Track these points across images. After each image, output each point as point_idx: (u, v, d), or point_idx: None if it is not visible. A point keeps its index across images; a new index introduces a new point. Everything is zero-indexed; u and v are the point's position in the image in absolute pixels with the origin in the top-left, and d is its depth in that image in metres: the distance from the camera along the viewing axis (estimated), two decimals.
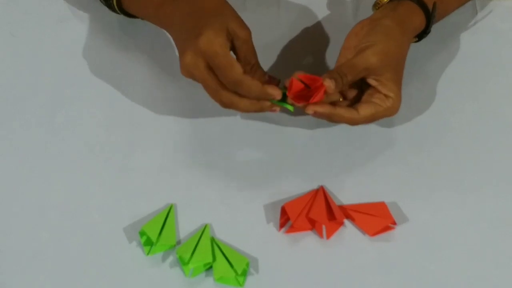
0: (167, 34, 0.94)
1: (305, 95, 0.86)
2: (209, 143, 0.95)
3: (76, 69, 1.00)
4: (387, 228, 0.89)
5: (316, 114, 0.86)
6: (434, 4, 0.91)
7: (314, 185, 0.92)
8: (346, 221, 0.90)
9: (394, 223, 0.89)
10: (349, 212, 0.90)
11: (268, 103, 0.85)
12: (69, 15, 1.03)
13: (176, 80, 0.98)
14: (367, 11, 0.95)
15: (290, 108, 0.86)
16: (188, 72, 0.85)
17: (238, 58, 0.86)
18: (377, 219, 0.89)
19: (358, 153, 0.95)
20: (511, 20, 1.03)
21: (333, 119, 0.87)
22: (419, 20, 0.91)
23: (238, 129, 0.96)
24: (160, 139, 0.95)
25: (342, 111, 0.87)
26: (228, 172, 0.93)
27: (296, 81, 0.85)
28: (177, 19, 0.87)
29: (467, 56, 1.00)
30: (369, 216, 0.89)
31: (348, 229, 0.89)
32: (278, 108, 0.86)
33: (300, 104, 0.86)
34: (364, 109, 0.87)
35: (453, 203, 0.92)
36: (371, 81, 0.88)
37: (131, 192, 0.92)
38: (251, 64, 0.87)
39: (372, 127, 0.95)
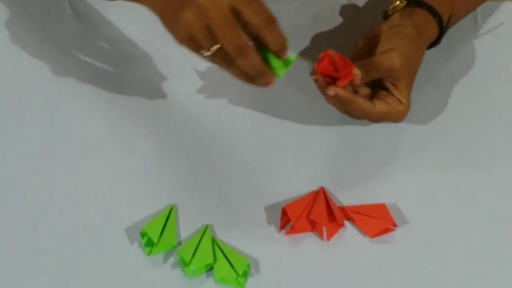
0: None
1: (330, 75, 0.86)
2: (210, 144, 0.95)
3: (75, 67, 1.00)
4: (387, 230, 0.89)
5: (335, 97, 0.86)
6: (450, 16, 0.92)
7: (314, 187, 0.92)
8: (346, 223, 0.90)
9: (395, 225, 0.89)
10: (349, 214, 0.90)
11: (266, 70, 0.81)
12: (68, 13, 1.03)
13: (176, 78, 0.98)
14: (367, 9, 0.96)
15: (280, 74, 0.83)
16: (201, 10, 0.77)
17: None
18: (377, 220, 0.89)
19: (359, 154, 0.95)
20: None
21: (349, 107, 0.87)
22: (433, 29, 0.92)
23: (239, 130, 0.96)
24: (161, 140, 0.95)
25: (361, 100, 0.87)
26: (229, 173, 0.93)
27: (330, 57, 0.84)
28: None
29: (469, 58, 1.01)
30: (369, 217, 0.89)
31: (349, 231, 0.89)
32: (273, 81, 0.83)
33: (323, 81, 0.85)
34: (380, 105, 0.88)
35: (453, 205, 0.92)
36: (388, 84, 0.89)
37: (132, 192, 0.91)
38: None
39: (373, 128, 0.95)
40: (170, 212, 0.89)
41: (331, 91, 0.85)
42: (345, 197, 0.91)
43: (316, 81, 0.86)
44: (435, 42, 0.95)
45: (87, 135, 0.95)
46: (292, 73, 0.88)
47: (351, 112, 0.89)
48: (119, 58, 1.01)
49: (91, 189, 0.92)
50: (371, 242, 0.89)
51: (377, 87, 0.90)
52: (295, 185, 0.91)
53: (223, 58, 0.80)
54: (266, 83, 0.82)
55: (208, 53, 0.78)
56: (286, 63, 0.83)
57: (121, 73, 1.00)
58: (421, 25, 0.91)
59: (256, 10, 0.78)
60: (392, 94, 0.89)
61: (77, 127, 0.96)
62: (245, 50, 0.79)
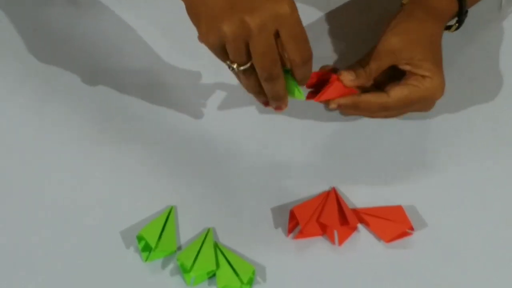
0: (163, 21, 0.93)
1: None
2: (213, 141, 0.94)
3: (67, 57, 0.98)
4: (404, 234, 0.88)
5: (341, 108, 0.86)
6: None
7: (325, 187, 0.91)
8: (360, 226, 0.89)
9: (412, 229, 0.88)
10: (363, 216, 0.89)
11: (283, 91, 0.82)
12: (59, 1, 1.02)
13: (177, 71, 0.97)
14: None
15: (297, 94, 0.84)
16: (236, 29, 0.75)
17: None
18: (393, 224, 0.88)
19: (373, 152, 0.93)
20: None
21: (361, 109, 0.86)
22: (447, 2, 0.90)
23: (244, 127, 0.95)
24: (159, 136, 0.94)
25: (369, 97, 0.86)
26: (233, 172, 0.92)
27: (337, 82, 0.86)
28: None
29: (493, 46, 1.00)
30: (384, 220, 0.88)
31: (362, 235, 0.88)
32: (285, 108, 0.84)
33: (321, 100, 0.86)
34: (396, 91, 0.85)
35: (476, 207, 0.90)
36: (403, 66, 0.86)
37: (128, 193, 0.90)
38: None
39: (388, 123, 0.94)
40: (169, 214, 0.88)
41: (332, 105, 0.86)
42: (359, 198, 0.90)
43: (339, 109, 0.86)
44: (458, 22, 0.93)
45: (80, 130, 0.94)
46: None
47: (369, 114, 0.88)
48: (114, 46, 1.00)
49: (83, 189, 0.90)
50: (386, 247, 0.88)
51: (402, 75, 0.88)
52: (304, 185, 0.91)
53: (247, 75, 0.80)
54: (277, 108, 0.83)
55: (234, 67, 0.79)
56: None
57: (115, 63, 0.98)
58: (430, 2, 0.89)
59: (299, 49, 0.78)
60: (413, 73, 0.86)
61: (69, 122, 0.94)
62: (276, 79, 0.79)
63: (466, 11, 0.92)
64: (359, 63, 0.87)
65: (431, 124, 0.95)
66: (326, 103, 0.86)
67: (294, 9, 0.76)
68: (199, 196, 0.90)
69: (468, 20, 0.94)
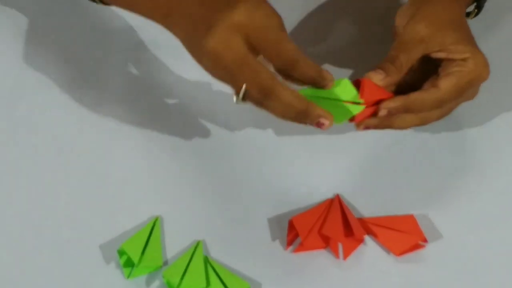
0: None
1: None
2: (203, 143, 0.92)
3: (42, 51, 0.97)
4: (416, 246, 0.86)
5: (390, 113, 0.81)
6: None
7: (328, 194, 0.88)
8: (367, 238, 0.87)
9: (425, 240, 0.86)
10: (370, 227, 0.86)
11: (316, 110, 0.78)
12: None
13: (166, 65, 0.95)
14: None
15: (339, 119, 0.80)
16: (216, 57, 0.77)
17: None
18: (404, 235, 0.85)
19: (381, 155, 0.91)
20: None
21: (413, 110, 0.81)
22: None
23: (236, 126, 0.92)
24: (143, 138, 0.92)
25: (420, 94, 0.81)
26: (225, 178, 0.90)
27: (369, 82, 0.80)
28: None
29: None
30: (394, 231, 0.86)
31: (370, 248, 0.86)
32: (328, 121, 0.79)
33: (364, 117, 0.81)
34: (445, 81, 0.81)
35: (495, 217, 0.88)
36: (436, 54, 0.83)
37: (108, 202, 0.88)
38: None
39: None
40: (153, 226, 0.86)
41: (382, 111, 0.80)
42: (365, 207, 0.88)
43: (387, 116, 0.81)
44: (477, 8, 0.90)
45: (55, 132, 0.92)
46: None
47: (419, 120, 0.83)
48: (96, 38, 0.98)
49: (59, 197, 0.88)
50: (396, 261, 0.85)
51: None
52: (305, 193, 0.88)
53: (255, 101, 0.79)
54: (318, 125, 0.79)
55: (236, 98, 0.78)
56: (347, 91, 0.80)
57: (98, 57, 0.96)
58: None
59: (274, 54, 0.77)
60: (451, 59, 0.83)
61: (43, 123, 0.93)
62: (271, 90, 0.77)
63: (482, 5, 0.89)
64: (385, 58, 0.83)
65: (446, 125, 0.91)
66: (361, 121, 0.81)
67: (251, 13, 0.76)
68: (187, 205, 0.88)
69: (489, 5, 0.91)
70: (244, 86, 0.77)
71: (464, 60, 0.81)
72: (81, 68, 0.96)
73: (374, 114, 0.80)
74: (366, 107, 0.79)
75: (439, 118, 0.83)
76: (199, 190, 0.89)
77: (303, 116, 0.78)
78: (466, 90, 0.82)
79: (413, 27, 0.82)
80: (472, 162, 0.91)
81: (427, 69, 0.83)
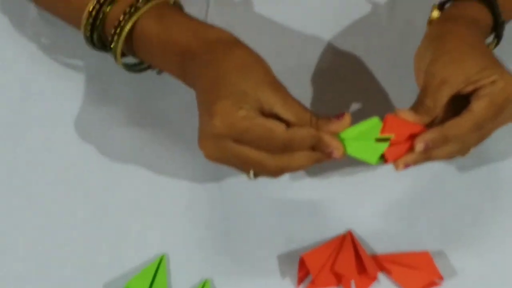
0: None
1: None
2: (210, 175, 0.90)
3: (38, 77, 0.95)
4: (431, 284, 0.85)
5: (428, 146, 0.78)
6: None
7: (340, 230, 0.87)
8: (380, 275, 0.86)
9: (441, 278, 0.85)
10: (384, 264, 0.85)
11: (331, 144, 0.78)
12: (33, 15, 0.98)
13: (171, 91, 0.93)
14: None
15: (373, 159, 0.78)
16: (212, 158, 0.78)
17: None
18: (419, 272, 0.85)
19: (395, 189, 0.90)
20: None
21: (451, 138, 0.79)
22: (475, 11, 0.85)
23: None
24: (148, 171, 0.90)
25: (455, 121, 0.79)
26: (233, 213, 0.88)
27: (392, 117, 0.78)
28: (198, 82, 0.80)
29: None
30: (409, 268, 0.85)
31: (383, 285, 0.85)
32: (340, 152, 0.77)
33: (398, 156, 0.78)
34: (478, 103, 0.79)
35: None
36: (465, 89, 0.80)
37: (113, 238, 0.87)
38: (305, 121, 0.79)
39: None
40: (159, 264, 0.85)
41: (419, 144, 0.77)
42: (379, 243, 0.87)
43: (425, 150, 0.78)
44: (497, 37, 0.88)
45: (58, 167, 0.90)
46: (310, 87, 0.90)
47: (459, 147, 0.80)
48: (91, 70, 0.95)
49: (61, 233, 0.87)
50: None
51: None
52: (316, 228, 0.87)
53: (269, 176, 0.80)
54: (330, 157, 0.79)
55: (248, 177, 0.79)
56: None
57: (105, 78, 0.94)
58: (455, 13, 0.85)
59: (264, 145, 0.76)
60: (481, 86, 0.80)
61: (45, 156, 0.91)
62: (281, 170, 0.77)
63: (503, 22, 0.87)
64: (415, 103, 0.80)
65: (461, 158, 0.87)
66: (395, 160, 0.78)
67: (229, 118, 0.75)
68: (194, 242, 0.87)
69: (508, 34, 0.89)
70: (251, 172, 0.78)
71: (493, 82, 0.79)
72: (88, 99, 0.95)
73: (411, 149, 0.77)
74: (399, 143, 0.77)
75: (477, 143, 0.81)
76: (206, 227, 0.88)
77: (314, 161, 0.78)
78: (502, 110, 0.80)
79: (434, 70, 0.80)
80: (490, 196, 0.90)
81: (461, 105, 0.81)
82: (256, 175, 0.79)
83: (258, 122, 0.76)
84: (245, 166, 0.78)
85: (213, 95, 0.77)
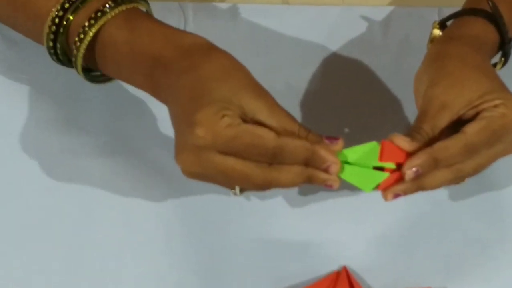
0: None
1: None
2: (189, 209, 0.87)
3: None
4: None
5: (418, 172, 0.75)
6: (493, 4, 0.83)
7: (334, 266, 0.85)
8: None
9: None
10: None
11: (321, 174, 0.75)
12: None
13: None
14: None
15: (368, 188, 0.75)
16: (192, 174, 0.76)
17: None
18: None
19: (392, 221, 0.87)
20: None
21: (441, 160, 0.76)
22: (479, 28, 0.83)
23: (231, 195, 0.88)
24: (122, 204, 0.87)
25: (443, 142, 0.76)
26: (218, 250, 0.86)
27: (389, 144, 0.75)
28: (173, 93, 0.78)
29: None
30: None
31: None
32: (336, 183, 0.75)
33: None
34: (472, 125, 0.76)
35: None
36: (466, 115, 0.78)
37: (82, 278, 0.83)
38: (292, 131, 0.77)
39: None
40: None
41: (408, 168, 0.74)
42: (376, 279, 0.85)
43: (416, 175, 0.76)
44: (504, 56, 0.86)
45: (17, 193, 0.87)
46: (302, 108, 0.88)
47: (451, 174, 0.77)
48: (57, 93, 0.93)
49: (24, 274, 0.83)
50: None
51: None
52: (308, 265, 0.85)
53: (255, 191, 0.78)
54: (327, 186, 0.76)
55: (233, 194, 0.77)
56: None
57: (63, 114, 0.91)
58: (455, 30, 0.84)
59: (255, 154, 0.74)
60: (482, 109, 0.78)
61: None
62: (268, 184, 0.75)
63: (510, 40, 0.84)
64: (411, 128, 0.78)
65: (465, 189, 0.86)
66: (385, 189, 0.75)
67: (213, 128, 0.72)
68: (172, 286, 0.84)
69: None
70: (237, 188, 0.76)
71: (494, 106, 0.77)
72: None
73: (402, 178, 0.74)
74: (394, 171, 0.74)
75: (475, 171, 0.78)
76: (185, 266, 0.85)
77: (306, 181, 0.74)
78: (498, 137, 0.77)
79: (433, 93, 0.77)
80: (495, 230, 0.88)
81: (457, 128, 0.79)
82: (242, 190, 0.76)
83: (245, 129, 0.73)
84: (229, 180, 0.76)
85: (193, 105, 0.74)
